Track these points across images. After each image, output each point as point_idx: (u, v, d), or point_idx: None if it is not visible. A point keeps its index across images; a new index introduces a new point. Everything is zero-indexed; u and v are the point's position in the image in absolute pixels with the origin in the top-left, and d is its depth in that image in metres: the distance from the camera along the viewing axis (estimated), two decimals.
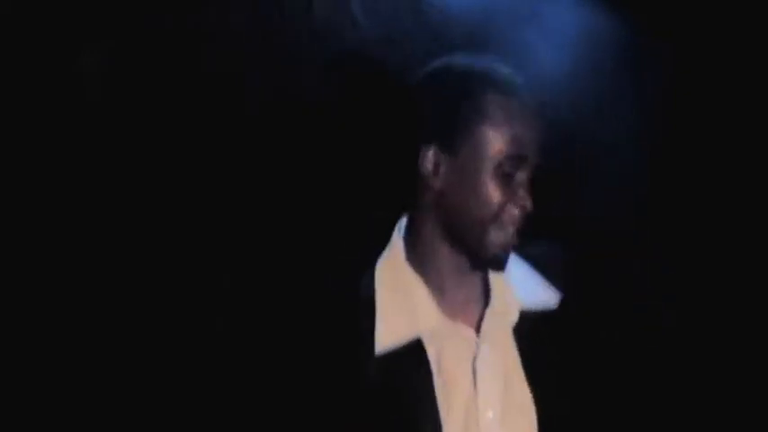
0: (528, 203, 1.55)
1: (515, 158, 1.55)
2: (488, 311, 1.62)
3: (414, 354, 1.59)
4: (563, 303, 1.65)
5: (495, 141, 1.56)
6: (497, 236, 1.56)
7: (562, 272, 1.69)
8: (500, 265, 1.60)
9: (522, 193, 1.55)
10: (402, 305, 1.62)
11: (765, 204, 2.16)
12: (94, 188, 2.13)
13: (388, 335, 1.60)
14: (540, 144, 1.58)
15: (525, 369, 1.60)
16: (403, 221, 1.68)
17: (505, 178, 1.55)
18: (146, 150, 2.14)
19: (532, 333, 1.62)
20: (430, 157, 1.60)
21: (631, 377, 1.69)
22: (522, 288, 1.66)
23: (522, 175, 1.56)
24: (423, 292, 1.62)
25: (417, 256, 1.64)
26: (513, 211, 1.56)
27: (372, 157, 2.03)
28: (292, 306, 1.71)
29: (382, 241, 1.70)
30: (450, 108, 1.58)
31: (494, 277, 1.65)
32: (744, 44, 2.14)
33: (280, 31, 2.16)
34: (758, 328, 2.14)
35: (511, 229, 1.57)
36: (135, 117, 2.13)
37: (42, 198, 2.11)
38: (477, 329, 1.62)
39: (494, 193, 1.55)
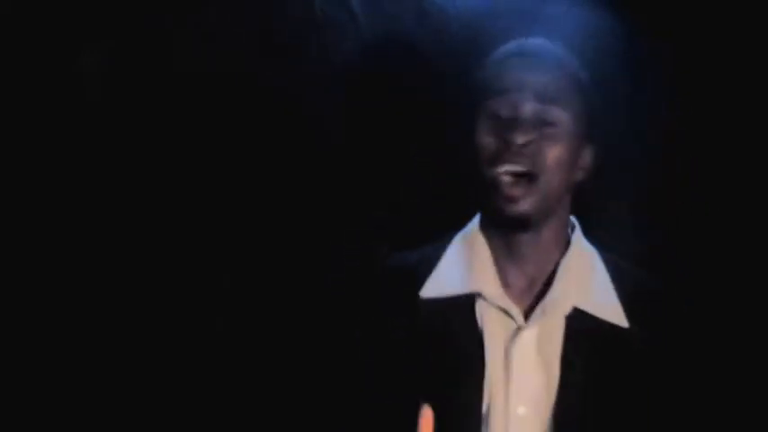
0: (516, 137, 1.52)
1: (498, 95, 1.56)
2: (543, 302, 1.59)
3: (463, 309, 1.59)
4: (630, 325, 1.62)
5: (486, 91, 1.58)
6: (490, 177, 1.55)
7: (646, 300, 1.65)
8: (505, 214, 1.56)
9: (508, 126, 1.54)
10: (464, 267, 1.63)
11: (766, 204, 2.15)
12: (95, 188, 2.13)
13: (439, 284, 1.62)
14: (538, 80, 1.56)
15: (561, 364, 1.56)
16: None
17: (495, 120, 1.55)
18: (146, 150, 2.13)
19: (581, 333, 1.58)
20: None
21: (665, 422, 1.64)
22: (590, 293, 1.62)
23: (510, 113, 1.55)
24: (487, 261, 1.62)
25: (485, 232, 1.66)
26: (500, 148, 1.54)
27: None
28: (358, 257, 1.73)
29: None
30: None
31: (563, 273, 1.62)
32: (744, 44, 2.14)
33: (280, 31, 2.16)
34: None
35: (504, 167, 1.54)
36: (135, 117, 2.13)
37: (42, 198, 2.11)
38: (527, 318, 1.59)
39: (481, 135, 1.56)
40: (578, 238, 1.67)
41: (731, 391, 1.99)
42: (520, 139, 1.53)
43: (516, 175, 1.55)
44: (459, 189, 1.74)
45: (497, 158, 1.55)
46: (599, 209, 2.14)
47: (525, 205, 1.55)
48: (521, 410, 1.55)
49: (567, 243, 1.65)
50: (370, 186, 2.16)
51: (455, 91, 1.80)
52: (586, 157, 1.65)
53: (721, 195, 2.15)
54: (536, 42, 1.66)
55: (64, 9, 2.09)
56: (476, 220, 1.68)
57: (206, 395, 2.11)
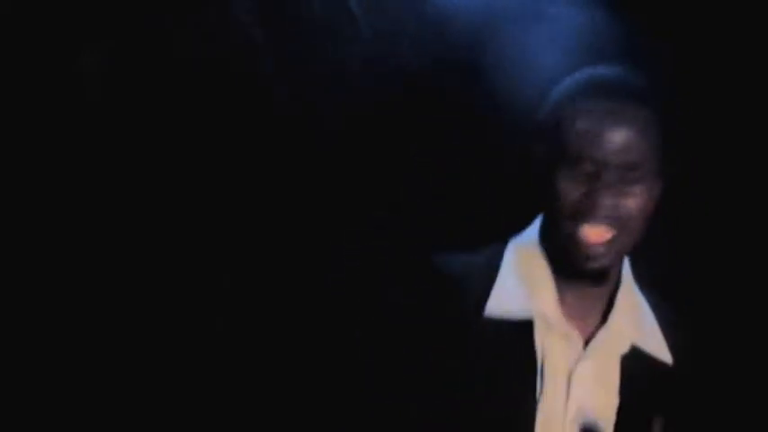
0: (604, 200, 1.49)
1: (590, 158, 1.54)
2: (603, 329, 1.57)
3: (522, 333, 1.57)
4: (674, 362, 1.63)
5: (573, 141, 1.55)
6: (570, 232, 1.54)
7: (681, 335, 1.64)
8: (581, 269, 1.53)
9: (597, 188, 1.53)
10: (523, 282, 1.60)
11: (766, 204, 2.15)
12: (96, 187, 2.13)
13: (501, 302, 1.59)
14: (624, 142, 1.55)
15: (620, 402, 1.55)
16: None
17: (580, 176, 1.54)
18: (146, 150, 2.14)
19: (637, 371, 1.57)
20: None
21: None
22: (643, 327, 1.61)
23: (596, 174, 1.54)
24: (547, 279, 1.59)
25: (546, 247, 1.62)
26: (586, 206, 1.53)
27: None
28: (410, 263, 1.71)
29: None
30: (548, 107, 1.58)
31: (620, 302, 1.59)
32: (743, 44, 2.15)
33: (281, 32, 2.16)
34: None
35: (588, 227, 1.51)
36: (135, 117, 2.13)
37: (42, 198, 2.12)
38: (586, 344, 1.59)
39: (566, 186, 1.54)
40: (628, 271, 1.67)
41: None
42: (605, 202, 1.52)
43: (599, 233, 1.53)
44: (462, 189, 1.74)
45: (580, 214, 1.52)
46: None
47: (605, 261, 1.54)
48: None
49: (619, 273, 1.65)
50: (372, 186, 2.16)
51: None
52: (660, 190, 1.64)
53: (722, 195, 2.16)
54: (616, 78, 1.57)
55: (64, 9, 2.09)
56: (532, 232, 1.65)
57: (219, 394, 2.12)
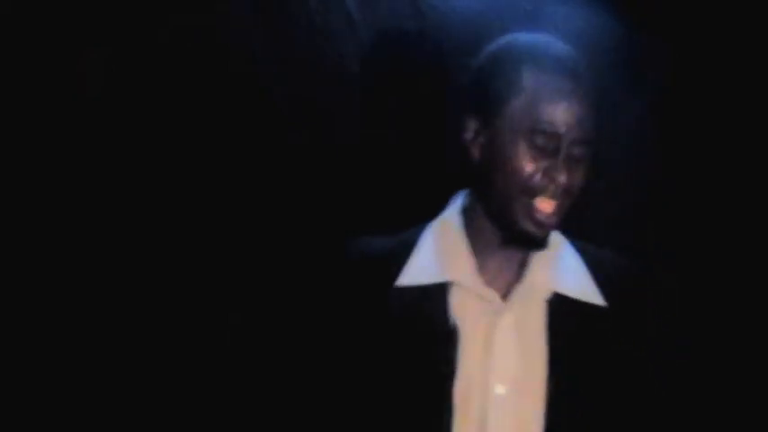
0: (560, 176, 1.56)
1: (546, 132, 1.56)
2: (520, 284, 1.63)
3: (436, 298, 1.61)
4: (608, 304, 1.65)
5: (527, 114, 1.57)
6: (525, 208, 1.57)
7: (618, 275, 1.68)
8: (532, 240, 1.60)
9: (553, 165, 1.56)
10: (439, 255, 1.65)
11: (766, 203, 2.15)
12: (96, 187, 2.13)
13: (414, 273, 1.64)
14: (582, 120, 1.57)
15: (549, 350, 1.59)
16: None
17: (537, 151, 1.56)
18: (148, 150, 2.14)
19: (564, 317, 1.62)
20: (469, 127, 1.63)
21: (649, 392, 1.67)
22: (566, 276, 1.66)
23: (554, 149, 1.57)
24: (463, 248, 1.64)
25: (467, 222, 1.67)
26: (543, 183, 1.56)
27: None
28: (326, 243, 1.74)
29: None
30: (488, 81, 1.61)
31: (536, 260, 1.64)
32: (742, 43, 2.15)
33: (279, 33, 2.17)
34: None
35: (542, 203, 1.57)
36: (135, 118, 2.14)
37: (42, 198, 2.12)
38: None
39: (522, 163, 1.57)
40: None
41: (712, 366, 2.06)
42: (565, 179, 1.56)
43: (552, 204, 1.59)
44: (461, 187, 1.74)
45: (538, 190, 1.58)
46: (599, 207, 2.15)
47: (552, 229, 1.62)
48: (499, 390, 1.57)
49: None
50: (372, 186, 2.17)
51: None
52: None
53: (721, 194, 2.16)
54: (569, 56, 1.62)
55: (64, 9, 2.09)
56: (453, 207, 1.70)
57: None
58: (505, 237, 1.63)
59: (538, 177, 1.57)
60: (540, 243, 1.60)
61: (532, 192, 1.57)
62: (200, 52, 2.14)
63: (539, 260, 1.64)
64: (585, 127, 1.58)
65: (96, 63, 2.12)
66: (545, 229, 1.59)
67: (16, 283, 2.11)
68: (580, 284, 1.65)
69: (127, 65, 2.13)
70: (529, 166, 1.57)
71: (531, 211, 1.58)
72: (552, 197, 1.57)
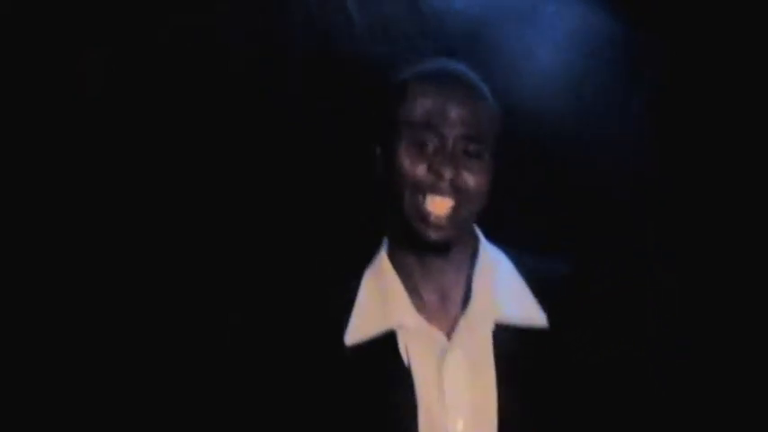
0: (445, 171, 1.57)
1: (425, 127, 1.59)
2: (463, 317, 1.62)
3: (386, 347, 1.61)
4: (551, 322, 1.65)
5: (409, 114, 1.61)
6: (416, 207, 1.59)
7: (559, 288, 1.69)
8: (425, 242, 1.60)
9: (439, 161, 1.58)
10: (379, 302, 1.65)
11: (766, 202, 2.16)
12: (98, 188, 2.13)
13: (360, 328, 1.63)
14: (465, 117, 1.59)
15: (497, 380, 1.59)
16: None
17: (419, 147, 1.58)
18: (148, 150, 2.14)
19: (510, 345, 1.61)
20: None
21: (603, 407, 1.67)
22: (508, 301, 1.65)
23: (440, 146, 1.59)
24: (399, 290, 1.65)
25: (394, 255, 1.68)
26: (429, 178, 1.58)
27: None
28: (275, 302, 1.74)
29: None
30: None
31: (476, 287, 1.65)
32: (740, 41, 2.15)
33: (277, 33, 2.16)
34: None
35: (433, 203, 1.58)
36: (135, 118, 2.13)
37: (45, 198, 2.12)
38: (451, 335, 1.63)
39: (404, 160, 1.60)
40: (485, 246, 1.71)
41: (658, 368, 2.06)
42: (449, 173, 1.58)
43: (442, 203, 1.59)
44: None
45: (424, 187, 1.59)
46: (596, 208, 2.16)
47: (449, 231, 1.60)
48: (459, 426, 1.57)
49: (475, 252, 1.68)
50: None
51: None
52: (493, 171, 1.68)
53: (720, 194, 2.17)
54: (455, 68, 1.68)
55: (64, 9, 2.09)
56: (382, 250, 1.70)
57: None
58: (412, 248, 1.63)
59: (422, 172, 1.58)
60: (433, 246, 1.60)
61: (420, 188, 1.58)
62: (200, 52, 2.14)
63: (478, 287, 1.64)
64: (470, 123, 1.60)
65: (96, 63, 2.12)
66: (437, 230, 1.59)
67: (16, 282, 2.11)
68: (521, 307, 1.65)
69: (127, 65, 2.13)
70: (411, 159, 1.59)
71: (421, 211, 1.59)
72: (442, 194, 1.58)
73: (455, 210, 1.59)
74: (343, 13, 2.15)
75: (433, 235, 1.59)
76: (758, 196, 2.14)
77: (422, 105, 1.60)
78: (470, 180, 1.60)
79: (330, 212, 2.14)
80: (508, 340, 1.61)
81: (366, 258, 1.72)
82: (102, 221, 2.13)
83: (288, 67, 2.16)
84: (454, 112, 1.60)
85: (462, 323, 1.62)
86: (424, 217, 1.59)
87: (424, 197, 1.59)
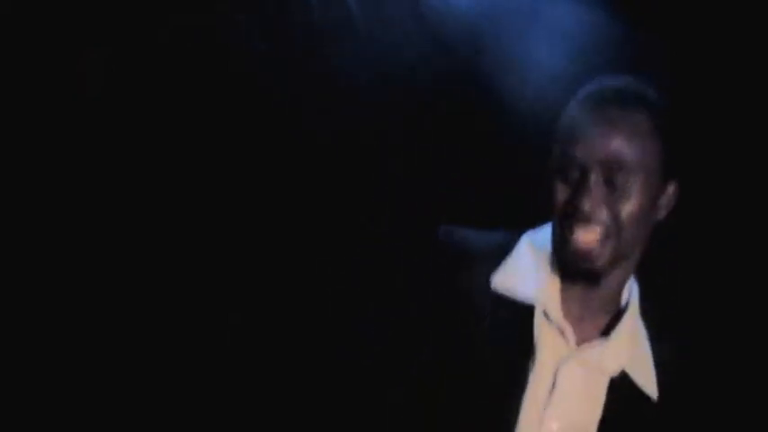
0: (582, 203, 1.51)
1: (575, 162, 1.56)
2: (601, 341, 1.60)
3: (523, 316, 1.60)
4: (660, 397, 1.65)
5: (563, 145, 1.56)
6: (562, 237, 1.55)
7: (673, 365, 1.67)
8: (571, 268, 1.57)
9: (579, 192, 1.54)
10: (531, 271, 1.63)
11: (766, 202, 2.16)
12: (98, 187, 2.14)
13: (508, 281, 1.62)
14: (605, 145, 1.53)
15: (601, 420, 1.59)
16: None
17: (564, 178, 1.54)
18: (148, 149, 2.14)
19: (623, 397, 1.60)
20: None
21: None
22: (636, 362, 1.63)
23: (582, 177, 1.56)
24: (553, 276, 1.62)
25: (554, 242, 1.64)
26: (569, 210, 1.54)
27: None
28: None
29: None
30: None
31: (624, 326, 1.62)
32: (740, 41, 2.15)
33: (278, 33, 2.17)
34: None
35: (576, 233, 1.53)
36: (137, 117, 2.14)
37: (45, 197, 2.12)
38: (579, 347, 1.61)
39: (557, 189, 1.55)
40: (636, 299, 1.66)
41: None
42: (586, 206, 1.53)
43: (587, 235, 1.54)
44: (460, 187, 1.74)
45: (569, 216, 1.54)
46: None
47: (597, 263, 1.55)
48: (554, 426, 1.57)
49: (627, 297, 1.65)
50: (370, 186, 2.17)
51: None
52: (669, 194, 1.64)
53: (720, 193, 2.17)
54: (619, 92, 1.58)
55: (64, 9, 2.09)
56: (547, 231, 1.64)
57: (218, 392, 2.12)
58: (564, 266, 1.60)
59: (565, 204, 1.54)
60: (581, 272, 1.56)
61: (565, 219, 1.54)
62: (201, 52, 2.14)
63: (626, 327, 1.62)
64: (613, 153, 1.53)
65: (96, 63, 2.12)
66: (588, 260, 1.54)
67: (16, 282, 2.11)
68: (645, 370, 1.63)
69: (127, 65, 2.13)
70: (558, 192, 1.55)
71: (565, 240, 1.55)
72: (585, 227, 1.53)
73: (604, 241, 1.53)
74: (343, 13, 2.16)
75: (580, 266, 1.55)
76: (761, 195, 2.14)
77: (566, 135, 1.55)
78: (618, 209, 1.53)
79: None
80: (624, 391, 1.60)
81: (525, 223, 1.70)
82: (102, 220, 2.14)
83: (288, 67, 2.16)
84: (595, 141, 1.53)
85: (598, 346, 1.60)
86: (570, 246, 1.54)
87: (571, 227, 1.53)
